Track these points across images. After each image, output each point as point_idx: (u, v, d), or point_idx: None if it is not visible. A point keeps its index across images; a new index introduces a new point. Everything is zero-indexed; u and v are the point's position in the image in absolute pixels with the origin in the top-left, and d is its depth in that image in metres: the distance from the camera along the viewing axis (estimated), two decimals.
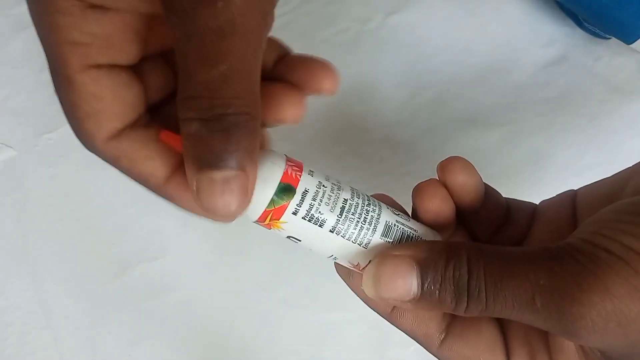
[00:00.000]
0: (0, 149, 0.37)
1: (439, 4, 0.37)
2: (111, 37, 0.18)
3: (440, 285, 0.19)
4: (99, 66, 0.18)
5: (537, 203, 0.26)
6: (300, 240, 0.20)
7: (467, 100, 0.36)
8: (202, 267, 0.37)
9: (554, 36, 0.36)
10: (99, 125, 0.19)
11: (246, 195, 0.18)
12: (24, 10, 0.39)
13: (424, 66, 0.36)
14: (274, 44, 0.22)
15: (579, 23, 0.36)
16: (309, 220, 0.20)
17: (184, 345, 0.37)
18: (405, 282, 0.19)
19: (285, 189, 0.19)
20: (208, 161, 0.17)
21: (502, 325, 0.22)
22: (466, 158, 0.23)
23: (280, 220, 0.20)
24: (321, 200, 0.20)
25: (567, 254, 0.18)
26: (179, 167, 0.20)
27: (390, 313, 0.22)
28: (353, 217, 0.20)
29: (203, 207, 0.18)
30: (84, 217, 0.37)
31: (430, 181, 0.23)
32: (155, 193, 0.21)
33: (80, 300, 0.37)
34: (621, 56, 0.36)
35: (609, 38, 0.36)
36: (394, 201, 0.23)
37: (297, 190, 0.19)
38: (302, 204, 0.19)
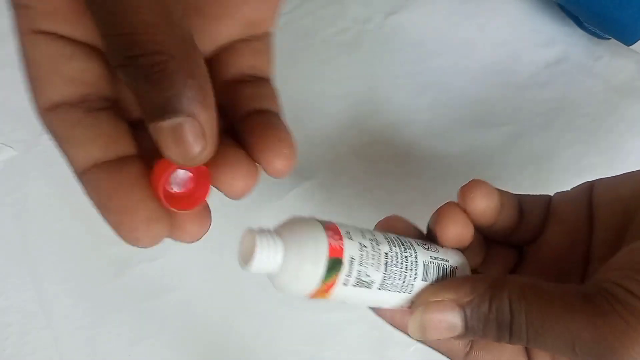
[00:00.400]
0: (0, 149, 0.37)
1: (439, 4, 0.37)
2: (57, 4, 0.18)
3: (484, 324, 0.20)
4: (41, 32, 0.18)
5: (552, 195, 0.25)
6: (345, 302, 0.20)
7: (467, 100, 0.36)
8: (202, 267, 0.37)
9: (554, 36, 0.36)
10: (37, 92, 0.19)
11: (204, 139, 0.17)
12: None
13: (424, 66, 0.36)
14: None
15: (579, 23, 0.36)
16: (359, 286, 0.19)
17: (184, 345, 0.37)
18: (450, 326, 0.20)
19: (334, 264, 0.19)
20: (152, 112, 0.17)
21: None
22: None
23: (330, 292, 0.19)
24: (367, 263, 0.19)
25: (608, 304, 0.18)
26: (101, 163, 0.19)
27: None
28: (396, 269, 0.20)
29: (171, 158, 0.17)
30: (84, 217, 0.37)
31: (449, 207, 0.23)
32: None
33: (80, 300, 0.37)
34: (621, 56, 0.36)
35: (609, 38, 0.36)
36: (409, 223, 0.24)
37: (344, 261, 0.19)
38: (351, 273, 0.19)
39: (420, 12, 0.37)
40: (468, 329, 0.20)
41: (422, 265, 0.21)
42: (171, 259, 0.37)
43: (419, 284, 0.21)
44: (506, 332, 0.19)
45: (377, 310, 0.23)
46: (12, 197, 0.37)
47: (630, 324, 0.18)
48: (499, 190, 0.23)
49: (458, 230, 0.22)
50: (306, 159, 0.37)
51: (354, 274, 0.19)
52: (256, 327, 0.37)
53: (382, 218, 0.23)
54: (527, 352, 0.22)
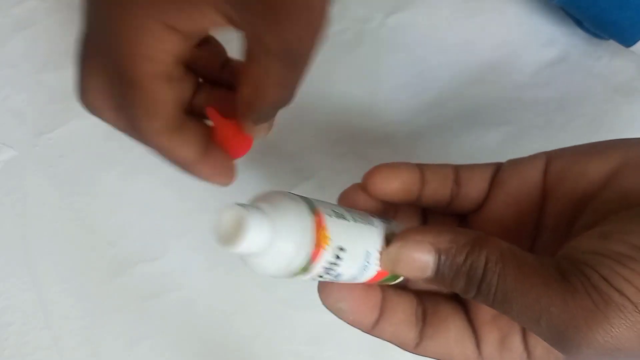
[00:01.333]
0: (0, 149, 0.37)
1: (439, 4, 0.37)
2: (179, 53, 0.22)
3: (454, 275, 0.20)
4: (166, 76, 0.22)
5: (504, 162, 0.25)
6: (344, 250, 0.20)
7: (467, 100, 0.36)
8: (202, 267, 0.37)
9: (554, 36, 0.36)
10: (154, 120, 0.22)
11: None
12: (24, 10, 0.39)
13: (424, 66, 0.36)
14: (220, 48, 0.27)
15: (579, 23, 0.36)
16: (338, 218, 0.20)
17: (184, 345, 0.37)
18: (422, 266, 0.20)
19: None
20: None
21: (470, 314, 0.24)
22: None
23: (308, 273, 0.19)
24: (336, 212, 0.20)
25: (582, 287, 0.19)
26: (206, 151, 0.24)
27: (372, 329, 0.24)
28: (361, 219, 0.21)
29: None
30: (84, 217, 0.37)
31: (351, 189, 0.24)
32: (185, 171, 0.25)
33: (80, 300, 0.37)
34: (621, 56, 0.36)
35: (609, 38, 0.36)
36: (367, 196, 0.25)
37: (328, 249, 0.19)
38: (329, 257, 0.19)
39: (420, 12, 0.37)
40: (437, 275, 0.20)
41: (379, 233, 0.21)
42: (171, 259, 0.37)
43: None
44: (474, 288, 0.20)
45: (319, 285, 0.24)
46: (12, 197, 0.37)
47: (600, 309, 0.18)
48: (420, 166, 0.24)
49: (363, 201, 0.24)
50: (306, 159, 0.37)
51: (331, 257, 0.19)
52: (256, 327, 0.37)
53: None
54: (475, 331, 0.23)
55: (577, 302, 0.18)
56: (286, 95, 0.23)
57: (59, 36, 0.37)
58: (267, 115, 0.23)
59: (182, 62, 0.23)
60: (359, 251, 0.20)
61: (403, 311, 0.23)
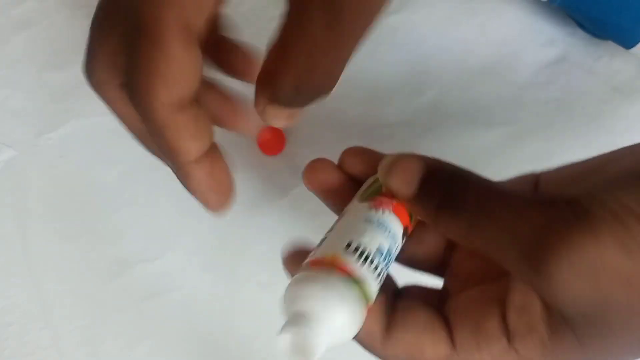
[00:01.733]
0: (0, 149, 0.37)
1: (439, 4, 0.37)
2: (211, 12, 0.19)
3: (436, 187, 0.21)
4: (191, 33, 0.19)
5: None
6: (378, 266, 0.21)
7: (467, 100, 0.36)
8: (202, 267, 0.37)
9: (554, 36, 0.36)
10: (167, 89, 0.19)
11: None
12: (24, 10, 0.39)
13: (424, 66, 0.36)
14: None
15: (580, 24, 0.36)
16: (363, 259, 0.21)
17: (184, 345, 0.37)
18: (412, 175, 0.21)
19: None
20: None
21: (442, 306, 0.23)
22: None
23: None
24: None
25: (563, 202, 0.19)
26: (209, 152, 0.22)
27: None
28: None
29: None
30: (84, 217, 0.37)
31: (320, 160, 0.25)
32: (174, 166, 0.22)
33: (80, 300, 0.37)
34: (621, 57, 0.36)
35: (609, 39, 0.36)
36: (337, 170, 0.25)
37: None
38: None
39: (420, 12, 0.37)
40: (421, 188, 0.21)
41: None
42: (171, 259, 0.37)
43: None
44: (449, 204, 0.20)
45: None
46: (12, 197, 0.37)
47: (581, 219, 0.18)
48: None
49: (325, 176, 0.24)
50: (306, 159, 0.37)
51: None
52: (256, 327, 0.37)
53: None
54: (449, 329, 0.22)
55: (556, 212, 0.18)
56: (326, 74, 0.20)
57: (59, 36, 0.37)
58: (296, 96, 0.20)
59: (209, 25, 0.20)
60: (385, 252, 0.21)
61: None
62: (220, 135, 0.36)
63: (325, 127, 0.36)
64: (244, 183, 0.37)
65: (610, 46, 0.36)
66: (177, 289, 0.37)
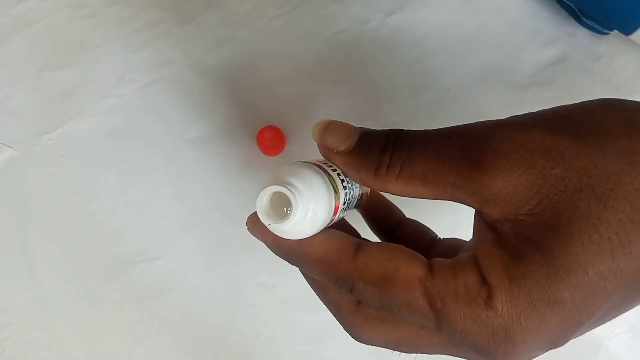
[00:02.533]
0: (0, 149, 0.37)
1: (439, 4, 0.37)
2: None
3: (371, 146, 0.21)
4: None
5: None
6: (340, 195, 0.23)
7: (467, 100, 0.36)
8: (202, 267, 0.37)
9: (554, 36, 0.36)
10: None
11: None
12: (24, 10, 0.39)
13: (424, 66, 0.36)
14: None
15: (578, 18, 0.36)
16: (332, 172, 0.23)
17: (184, 345, 0.37)
18: (347, 134, 0.22)
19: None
20: None
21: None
22: None
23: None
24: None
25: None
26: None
27: (300, 242, 0.22)
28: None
29: None
30: (84, 217, 0.37)
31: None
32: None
33: (80, 300, 0.37)
34: (621, 56, 0.36)
35: (608, 33, 0.35)
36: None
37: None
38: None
39: (420, 12, 0.37)
40: (356, 145, 0.22)
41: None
42: (171, 259, 0.37)
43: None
44: (387, 155, 0.21)
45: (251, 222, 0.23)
46: (12, 197, 0.37)
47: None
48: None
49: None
50: (306, 159, 0.37)
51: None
52: (256, 327, 0.37)
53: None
54: (429, 263, 0.21)
55: (479, 126, 0.21)
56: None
57: (59, 36, 0.37)
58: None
59: None
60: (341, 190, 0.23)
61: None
62: (220, 135, 0.36)
63: None
64: (244, 183, 0.37)
65: (611, 46, 0.36)
66: (177, 289, 0.37)
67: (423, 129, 0.22)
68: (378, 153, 0.21)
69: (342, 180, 0.23)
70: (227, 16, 0.36)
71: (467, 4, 0.37)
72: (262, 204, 0.20)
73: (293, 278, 0.36)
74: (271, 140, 0.35)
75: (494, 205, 0.19)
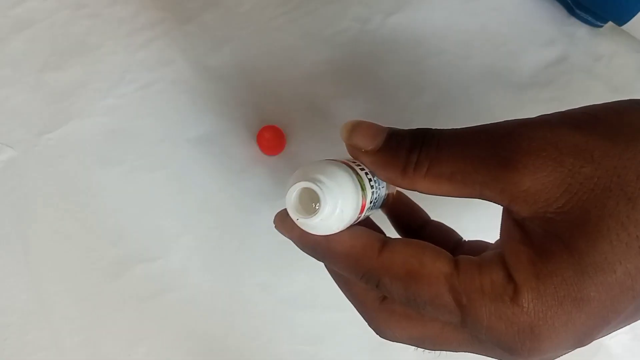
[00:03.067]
0: (0, 149, 0.37)
1: (439, 4, 0.37)
2: None
3: (399, 145, 0.22)
4: None
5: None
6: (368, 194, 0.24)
7: (467, 100, 0.36)
8: (202, 267, 0.37)
9: (554, 36, 0.36)
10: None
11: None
12: (24, 10, 0.39)
13: (424, 66, 0.36)
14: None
15: (571, 10, 0.36)
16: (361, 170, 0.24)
17: (184, 345, 0.37)
18: (375, 133, 0.22)
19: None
20: None
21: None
22: None
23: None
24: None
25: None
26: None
27: (326, 238, 0.22)
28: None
29: None
30: (84, 217, 0.37)
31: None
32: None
33: (80, 300, 0.37)
34: (621, 56, 0.36)
35: (602, 25, 0.35)
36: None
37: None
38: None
39: (421, 12, 0.37)
40: (384, 145, 0.22)
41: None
42: (171, 259, 0.37)
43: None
44: (415, 155, 0.21)
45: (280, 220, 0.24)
46: (12, 197, 0.37)
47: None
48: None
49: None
50: (306, 159, 0.37)
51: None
52: (256, 327, 0.37)
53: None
54: (455, 260, 0.21)
55: (507, 125, 0.21)
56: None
57: (59, 36, 0.37)
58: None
59: None
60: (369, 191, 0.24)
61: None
62: (220, 135, 0.36)
63: (325, 127, 0.36)
64: (244, 183, 0.37)
65: (611, 46, 0.36)
66: (177, 289, 0.37)
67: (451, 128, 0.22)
68: (406, 152, 0.22)
69: (370, 180, 0.23)
70: (227, 16, 0.36)
71: (467, 4, 0.37)
72: (291, 199, 0.21)
73: (293, 278, 0.36)
74: (271, 140, 0.35)
75: (523, 203, 0.19)
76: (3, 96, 0.37)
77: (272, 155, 0.36)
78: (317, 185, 0.20)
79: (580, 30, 0.36)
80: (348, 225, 0.22)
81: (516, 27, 0.37)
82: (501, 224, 0.22)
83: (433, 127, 0.22)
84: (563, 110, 0.23)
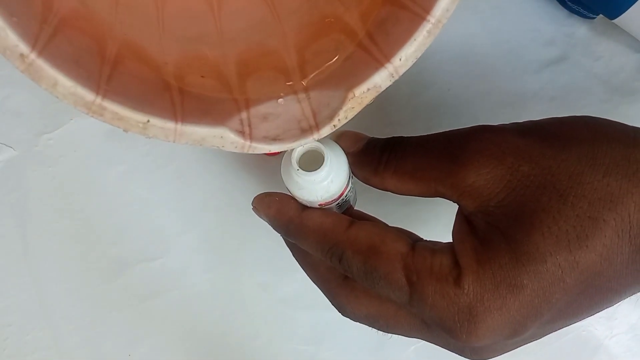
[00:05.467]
0: (0, 149, 0.37)
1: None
2: None
3: (374, 148, 0.25)
4: None
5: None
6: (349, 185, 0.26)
7: (467, 100, 0.36)
8: (202, 267, 0.37)
9: (554, 36, 0.36)
10: None
11: None
12: None
13: (423, 65, 0.36)
14: None
15: (563, 3, 0.36)
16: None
17: (184, 345, 0.37)
18: (356, 141, 0.26)
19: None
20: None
21: None
22: None
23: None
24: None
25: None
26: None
27: (300, 215, 0.24)
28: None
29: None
30: (84, 217, 0.37)
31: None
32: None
33: (80, 300, 0.37)
34: (621, 56, 0.36)
35: (593, 18, 0.35)
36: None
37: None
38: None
39: None
40: (365, 146, 0.26)
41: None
42: (171, 259, 0.37)
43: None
44: (386, 155, 0.25)
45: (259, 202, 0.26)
46: (12, 197, 0.37)
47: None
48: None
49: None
50: None
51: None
52: (256, 327, 0.37)
53: None
54: (412, 244, 0.23)
55: (458, 132, 0.24)
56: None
57: None
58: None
59: None
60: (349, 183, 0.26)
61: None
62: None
63: None
64: (244, 183, 0.37)
65: (610, 46, 0.36)
66: (177, 289, 0.37)
67: (422, 130, 0.24)
68: (379, 154, 0.25)
69: (351, 177, 0.26)
70: None
71: (467, 3, 0.37)
72: (295, 154, 0.23)
73: (293, 278, 0.36)
74: None
75: (469, 197, 0.22)
76: (3, 96, 0.37)
77: (272, 155, 0.36)
78: (324, 149, 0.23)
79: (580, 30, 0.36)
80: (326, 203, 0.24)
81: (516, 27, 0.37)
82: (454, 221, 0.24)
83: (413, 135, 0.25)
84: (562, 110, 0.23)
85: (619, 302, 0.22)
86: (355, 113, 0.22)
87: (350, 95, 0.21)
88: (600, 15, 0.35)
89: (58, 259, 0.37)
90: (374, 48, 0.22)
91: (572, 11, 0.36)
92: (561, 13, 0.37)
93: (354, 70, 0.22)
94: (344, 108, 0.21)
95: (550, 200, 0.20)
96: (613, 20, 0.33)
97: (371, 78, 0.21)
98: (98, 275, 0.37)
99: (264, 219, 0.26)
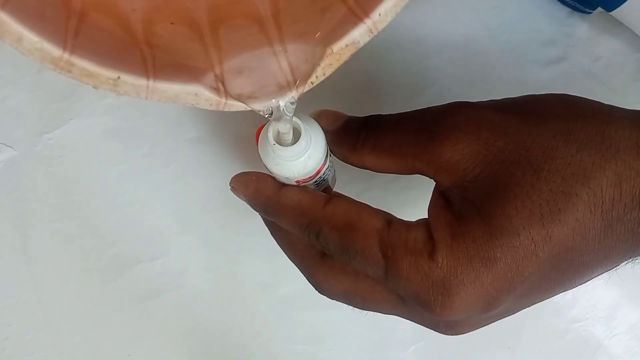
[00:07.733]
0: (0, 149, 0.37)
1: (439, 3, 0.37)
2: None
3: (352, 126, 0.25)
4: None
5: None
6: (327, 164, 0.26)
7: (467, 99, 0.36)
8: (202, 267, 0.37)
9: (554, 36, 0.36)
10: None
11: None
12: None
13: (423, 65, 0.36)
14: None
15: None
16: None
17: (184, 345, 0.37)
18: (335, 120, 0.26)
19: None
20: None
21: None
22: None
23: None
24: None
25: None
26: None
27: (277, 193, 0.25)
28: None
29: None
30: (84, 217, 0.37)
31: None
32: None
33: (80, 300, 0.37)
34: (621, 56, 0.36)
35: (590, 12, 0.35)
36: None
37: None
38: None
39: (420, 10, 0.37)
40: (344, 124, 0.26)
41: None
42: (171, 259, 0.37)
43: None
44: (359, 141, 0.24)
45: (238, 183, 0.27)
46: (12, 197, 0.37)
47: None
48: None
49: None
50: None
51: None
52: (256, 327, 0.37)
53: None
54: (388, 220, 0.23)
55: (435, 108, 0.24)
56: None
57: None
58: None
59: None
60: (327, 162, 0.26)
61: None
62: (220, 134, 0.36)
63: None
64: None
65: (610, 46, 0.36)
66: (177, 289, 0.37)
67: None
68: (357, 131, 0.25)
69: (329, 155, 0.26)
70: None
71: (467, 3, 0.37)
72: (272, 128, 0.23)
73: (293, 278, 0.36)
74: None
75: (445, 172, 0.22)
76: (3, 96, 0.37)
77: None
78: (301, 124, 0.22)
79: (580, 30, 0.36)
80: (303, 180, 0.24)
81: (516, 27, 0.37)
82: (431, 197, 0.24)
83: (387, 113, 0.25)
84: None
85: (591, 279, 0.22)
86: (333, 70, 0.20)
87: (329, 51, 0.20)
88: (600, 13, 0.35)
89: (58, 258, 0.37)
90: (352, 2, 0.20)
91: (569, 6, 0.36)
92: (561, 13, 0.37)
93: (331, 25, 0.21)
94: (322, 65, 0.20)
95: (525, 175, 0.20)
96: (611, 13, 0.33)
97: (350, 33, 0.20)
98: (98, 275, 0.37)
99: (242, 199, 0.26)
